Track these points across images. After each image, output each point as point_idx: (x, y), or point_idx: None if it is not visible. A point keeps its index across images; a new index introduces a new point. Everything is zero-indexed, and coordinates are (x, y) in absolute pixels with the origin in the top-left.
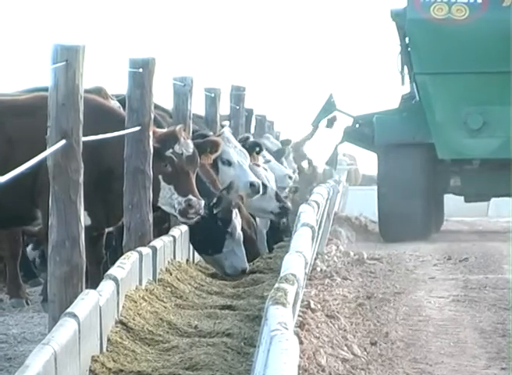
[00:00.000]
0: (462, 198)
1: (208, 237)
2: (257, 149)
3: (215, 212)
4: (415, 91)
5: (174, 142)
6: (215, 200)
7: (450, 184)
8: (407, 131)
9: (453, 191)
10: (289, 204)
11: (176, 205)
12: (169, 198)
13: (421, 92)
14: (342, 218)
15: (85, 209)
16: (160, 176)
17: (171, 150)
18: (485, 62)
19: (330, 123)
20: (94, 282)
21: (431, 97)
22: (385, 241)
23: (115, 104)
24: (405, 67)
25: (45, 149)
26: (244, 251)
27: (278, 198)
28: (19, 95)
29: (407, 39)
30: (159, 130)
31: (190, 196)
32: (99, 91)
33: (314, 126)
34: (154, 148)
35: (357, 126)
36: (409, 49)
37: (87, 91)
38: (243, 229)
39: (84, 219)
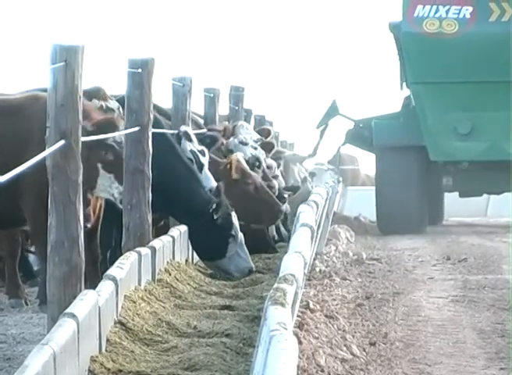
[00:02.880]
0: (461, 199)
1: (212, 243)
2: (257, 164)
3: (215, 217)
4: (411, 97)
5: (114, 130)
6: (214, 206)
7: (443, 183)
8: (402, 135)
9: (446, 190)
10: (275, 182)
11: (117, 195)
12: (108, 187)
13: (415, 99)
14: (341, 218)
15: None
16: (99, 165)
17: (112, 138)
18: (473, 73)
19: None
20: (91, 282)
21: (424, 104)
22: (383, 234)
23: (114, 104)
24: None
25: (29, 148)
26: (247, 251)
27: (264, 177)
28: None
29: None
30: (96, 116)
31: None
32: (98, 92)
33: (320, 130)
34: (90, 133)
35: (358, 129)
36: (404, 61)
37: (85, 92)
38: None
39: None
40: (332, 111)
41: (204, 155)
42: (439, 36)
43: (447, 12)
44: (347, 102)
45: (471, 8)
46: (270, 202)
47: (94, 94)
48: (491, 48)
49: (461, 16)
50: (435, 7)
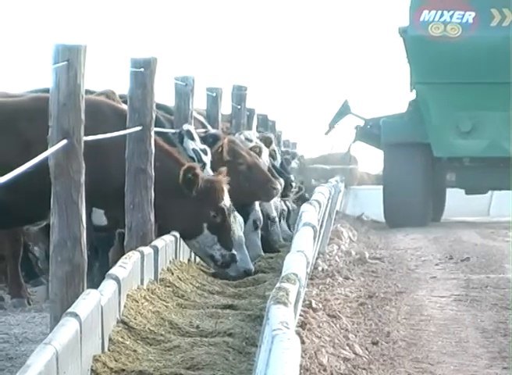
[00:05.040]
0: (463, 198)
1: None
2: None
3: None
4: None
5: (224, 194)
6: None
7: (447, 179)
8: (408, 132)
9: (450, 185)
10: (281, 180)
11: (219, 257)
12: (209, 248)
13: (420, 99)
14: (343, 217)
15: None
16: (205, 224)
17: (223, 201)
18: (475, 74)
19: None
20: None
21: (428, 103)
22: (389, 226)
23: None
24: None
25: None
26: (247, 253)
27: (271, 174)
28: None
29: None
30: (203, 175)
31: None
32: (110, 95)
33: (330, 127)
34: (205, 195)
35: (368, 127)
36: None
37: (100, 94)
38: None
39: (101, 218)
40: (345, 110)
41: (206, 153)
42: (443, 39)
43: (451, 16)
44: (355, 101)
45: (473, 14)
46: (263, 180)
47: (112, 97)
48: (492, 51)
49: (464, 20)
50: (440, 12)
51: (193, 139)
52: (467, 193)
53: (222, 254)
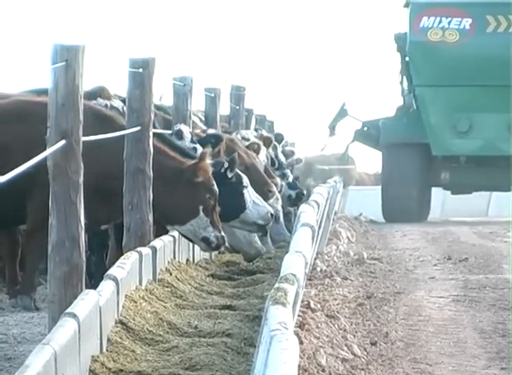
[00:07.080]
0: (462, 198)
1: (232, 200)
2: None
3: (230, 175)
4: (413, 100)
5: (214, 178)
6: (226, 164)
7: (441, 178)
8: (406, 133)
9: (443, 183)
10: (278, 180)
11: (213, 239)
12: (203, 230)
13: (419, 101)
14: (341, 218)
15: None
16: (201, 207)
17: (215, 185)
18: (471, 77)
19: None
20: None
21: (427, 104)
22: (387, 222)
23: (118, 104)
24: (404, 80)
25: None
26: (259, 196)
27: (268, 174)
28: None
29: (407, 58)
30: (192, 161)
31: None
32: (102, 91)
33: (330, 129)
34: (201, 178)
35: (365, 129)
36: (409, 66)
37: (90, 91)
38: None
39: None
40: (343, 112)
41: (195, 152)
42: (442, 44)
43: (449, 23)
44: (352, 104)
45: (470, 20)
46: (260, 182)
47: (99, 93)
48: (488, 56)
49: (462, 26)
50: (438, 18)
51: (181, 139)
52: (452, 193)
53: (216, 236)
